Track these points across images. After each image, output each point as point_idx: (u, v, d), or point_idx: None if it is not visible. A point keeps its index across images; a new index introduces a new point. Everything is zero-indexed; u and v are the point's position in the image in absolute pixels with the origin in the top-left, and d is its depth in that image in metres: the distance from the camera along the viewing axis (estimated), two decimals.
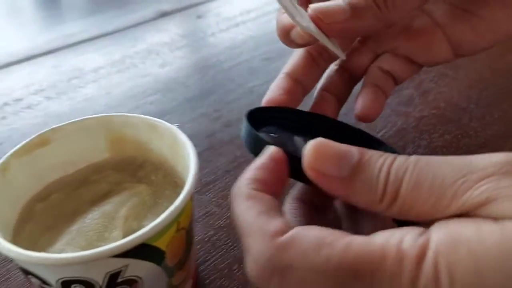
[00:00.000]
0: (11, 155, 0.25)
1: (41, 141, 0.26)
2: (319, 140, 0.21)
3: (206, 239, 0.34)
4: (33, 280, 0.22)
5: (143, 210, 0.25)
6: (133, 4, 0.78)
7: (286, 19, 0.29)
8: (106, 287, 0.21)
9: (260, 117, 0.27)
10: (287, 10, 0.25)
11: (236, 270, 0.32)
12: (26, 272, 0.22)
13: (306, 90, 0.34)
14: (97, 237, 0.23)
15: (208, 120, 0.48)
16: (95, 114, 0.28)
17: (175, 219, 0.22)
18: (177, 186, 0.27)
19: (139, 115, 0.27)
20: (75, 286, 0.21)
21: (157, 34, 0.67)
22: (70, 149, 0.27)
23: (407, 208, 0.19)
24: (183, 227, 0.24)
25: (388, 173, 0.20)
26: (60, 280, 0.21)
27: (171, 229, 0.22)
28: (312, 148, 0.20)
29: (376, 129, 0.45)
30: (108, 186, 0.26)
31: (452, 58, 0.33)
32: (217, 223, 0.36)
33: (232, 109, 0.50)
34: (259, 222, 0.20)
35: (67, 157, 0.27)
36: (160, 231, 0.21)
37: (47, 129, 0.26)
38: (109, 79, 0.56)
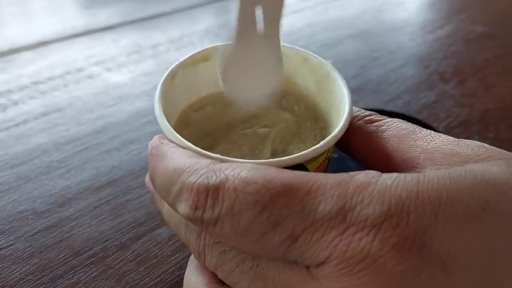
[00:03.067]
0: (179, 64, 0.26)
1: (203, 57, 0.27)
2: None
3: None
4: None
5: (288, 136, 0.26)
6: None
7: None
8: None
9: None
10: None
11: None
12: None
13: None
14: (249, 152, 0.25)
15: None
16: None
17: (331, 145, 0.23)
18: (318, 119, 0.27)
19: (293, 46, 0.27)
20: None
21: (214, 18, 0.68)
22: None
23: None
24: (329, 156, 0.24)
25: None
26: None
27: (323, 155, 0.23)
28: None
29: (439, 119, 0.44)
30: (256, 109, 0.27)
31: None
32: None
33: None
34: (196, 157, 0.20)
35: (218, 76, 0.27)
36: (319, 155, 0.22)
37: (210, 45, 0.27)
38: (168, 56, 0.57)
